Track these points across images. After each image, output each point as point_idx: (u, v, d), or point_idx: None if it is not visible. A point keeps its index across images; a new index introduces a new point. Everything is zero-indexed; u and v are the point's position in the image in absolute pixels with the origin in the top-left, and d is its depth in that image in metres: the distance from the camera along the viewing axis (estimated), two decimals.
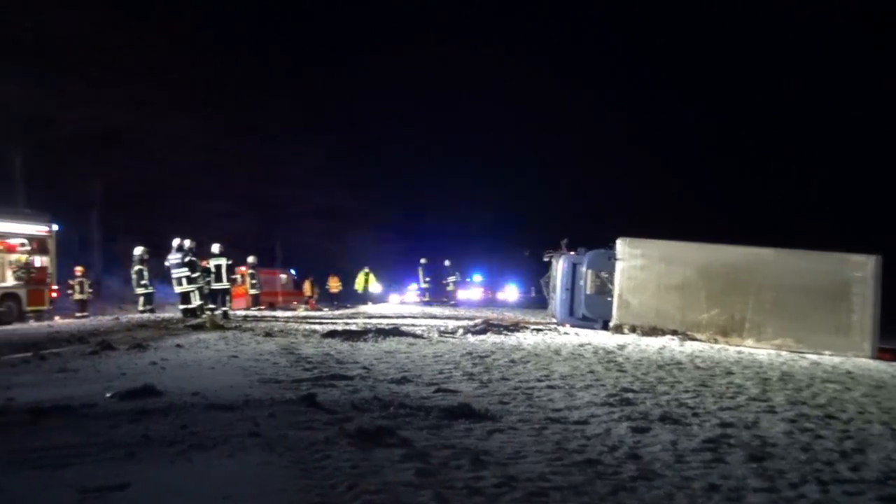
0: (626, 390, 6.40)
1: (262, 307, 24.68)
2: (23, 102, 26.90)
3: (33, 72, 27.08)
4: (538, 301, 26.69)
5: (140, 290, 19.53)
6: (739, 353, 10.87)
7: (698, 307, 13.01)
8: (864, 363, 10.57)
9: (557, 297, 16.24)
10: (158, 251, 20.22)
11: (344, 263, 36.29)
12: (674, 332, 12.78)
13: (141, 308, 19.43)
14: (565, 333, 13.36)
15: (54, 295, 19.94)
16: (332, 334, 11.78)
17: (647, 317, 13.39)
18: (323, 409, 5.18)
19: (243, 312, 20.51)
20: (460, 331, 12.89)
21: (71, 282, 21.44)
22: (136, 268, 19.59)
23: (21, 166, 28.62)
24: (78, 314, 20.51)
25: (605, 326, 14.12)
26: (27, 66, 27.11)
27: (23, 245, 19.14)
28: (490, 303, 36.33)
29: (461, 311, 23.09)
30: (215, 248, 18.10)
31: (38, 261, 19.47)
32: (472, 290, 38.48)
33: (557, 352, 9.83)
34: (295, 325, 14.73)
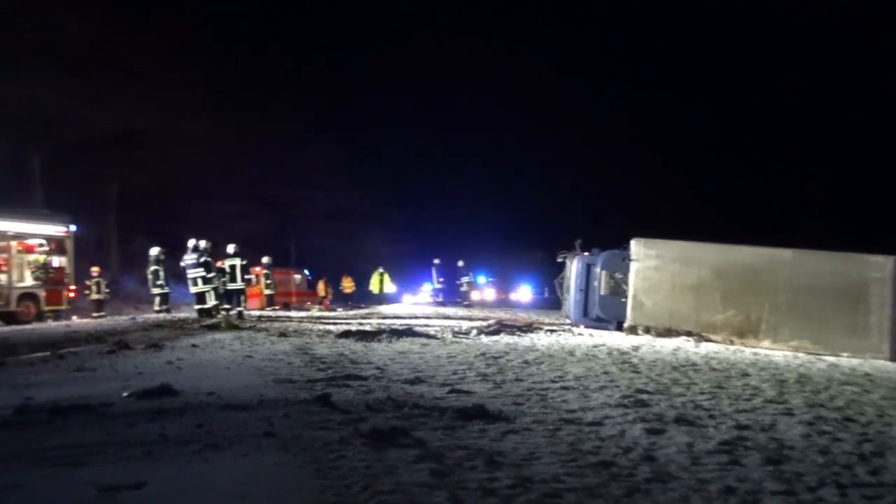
0: (640, 392, 6.36)
1: (277, 307, 24.82)
2: (41, 105, 27.21)
3: (52, 74, 27.40)
4: (551, 302, 26.63)
5: (156, 291, 19.69)
6: (755, 354, 10.78)
7: (713, 308, 12.92)
8: (883, 365, 10.45)
9: (571, 297, 16.18)
10: (174, 252, 20.38)
11: (357, 264, 36.41)
12: (689, 334, 12.69)
13: (157, 308, 19.59)
14: (579, 334, 13.31)
15: (72, 295, 20.18)
16: (346, 335, 11.82)
17: (661, 318, 13.31)
18: (337, 410, 5.20)
19: (258, 312, 20.61)
20: (474, 331, 12.89)
21: (88, 282, 21.66)
22: (152, 268, 19.75)
23: (40, 168, 28.96)
24: (95, 314, 20.71)
25: (619, 327, 14.06)
26: (46, 69, 27.43)
27: (41, 245, 19.38)
28: (503, 303, 36.31)
29: (474, 312, 23.08)
30: (230, 248, 18.22)
31: (56, 261, 19.70)
32: (485, 290, 38.46)
33: (571, 353, 9.80)
34: (309, 326, 14.79)
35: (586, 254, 16.01)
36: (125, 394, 5.87)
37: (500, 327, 13.58)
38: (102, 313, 21.06)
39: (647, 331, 13.22)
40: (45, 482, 3.48)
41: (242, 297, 18.31)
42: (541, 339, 11.94)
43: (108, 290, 22.67)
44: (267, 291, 25.32)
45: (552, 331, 13.71)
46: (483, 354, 9.22)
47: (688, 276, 13.31)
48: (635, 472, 3.70)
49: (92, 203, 30.99)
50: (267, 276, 25.26)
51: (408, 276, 39.48)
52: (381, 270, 30.31)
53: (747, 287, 12.79)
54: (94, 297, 21.76)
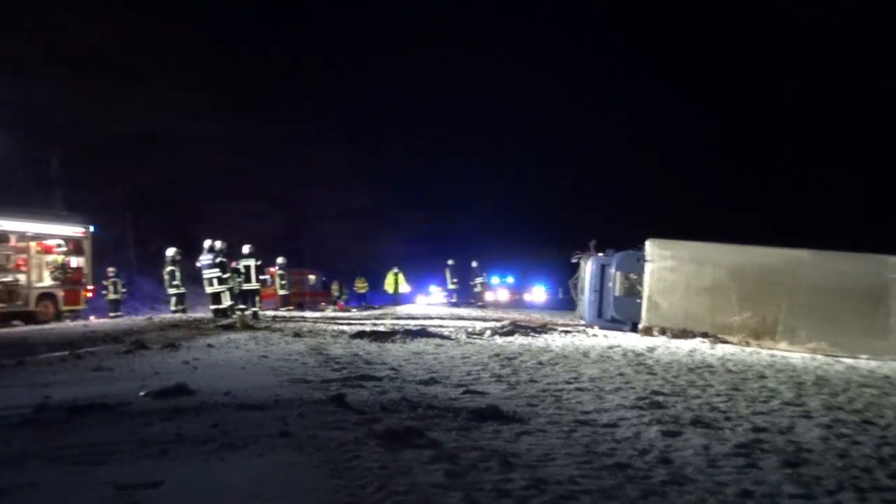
0: (656, 393, 6.32)
1: (291, 308, 24.94)
2: (60, 107, 27.56)
3: (71, 78, 27.73)
4: (565, 303, 26.54)
5: (172, 291, 19.85)
6: (772, 356, 10.67)
7: (729, 309, 12.81)
8: None
9: (586, 298, 16.12)
10: (190, 252, 20.55)
11: (371, 264, 36.52)
12: (704, 335, 12.59)
13: (173, 308, 19.75)
14: (594, 335, 13.26)
15: (89, 295, 20.39)
16: (360, 335, 11.84)
17: (676, 319, 13.22)
18: (352, 410, 5.21)
19: (272, 313, 20.71)
20: (488, 332, 12.87)
21: (105, 282, 21.89)
22: (169, 268, 19.93)
23: (58, 169, 29.30)
24: (112, 314, 20.93)
25: (633, 328, 13.98)
26: (65, 73, 27.77)
27: (59, 246, 19.61)
28: (517, 304, 36.24)
29: (488, 313, 23.05)
30: (245, 248, 18.34)
31: (75, 262, 19.93)
32: (498, 291, 38.41)
33: (586, 354, 9.76)
34: (323, 326, 14.84)
35: (601, 254, 15.94)
36: (142, 393, 5.92)
37: (515, 328, 13.56)
38: (119, 313, 21.27)
39: (663, 332, 13.13)
40: (63, 480, 3.52)
41: (257, 298, 18.42)
42: (555, 340, 11.90)
43: (124, 291, 22.91)
44: (282, 292, 25.46)
45: (566, 332, 13.66)
46: (497, 355, 9.21)
47: (703, 277, 13.21)
48: (651, 475, 3.68)
49: (109, 204, 31.34)
50: (282, 277, 25.39)
51: (422, 276, 39.54)
52: (395, 270, 30.33)
53: (764, 288, 12.67)
54: (111, 297, 21.99)
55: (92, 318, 19.72)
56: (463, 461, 3.81)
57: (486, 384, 6.76)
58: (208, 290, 17.44)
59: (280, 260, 25.47)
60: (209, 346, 10.43)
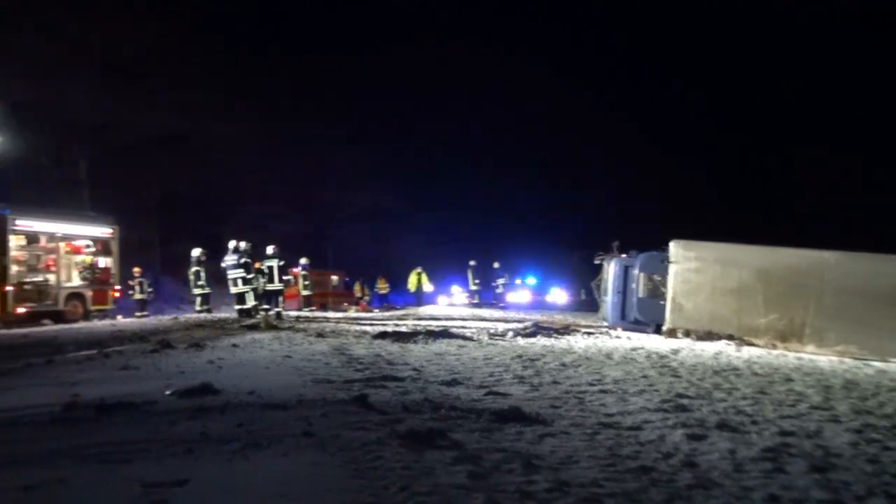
0: (680, 396, 6.26)
1: (314, 308, 25.10)
2: (89, 109, 28.03)
3: (99, 81, 28.20)
4: (588, 304, 26.40)
5: (197, 291, 20.09)
6: (799, 359, 10.51)
7: (755, 311, 12.64)
8: None
9: (609, 300, 16.02)
10: (215, 253, 20.79)
11: (393, 265, 36.62)
12: (730, 337, 12.44)
13: (198, 308, 19.99)
14: (617, 337, 13.16)
15: (117, 295, 20.71)
16: (382, 335, 11.88)
17: (701, 321, 13.07)
18: (374, 410, 5.23)
19: (296, 313, 20.87)
20: (510, 333, 12.83)
21: (131, 282, 22.21)
22: (194, 269, 20.17)
23: (86, 170, 29.80)
24: (138, 313, 21.23)
25: (657, 330, 13.86)
26: (93, 76, 28.24)
27: (88, 247, 19.95)
28: (539, 305, 36.11)
29: (510, 314, 22.99)
30: (269, 249, 18.50)
31: (102, 262, 20.27)
32: (520, 292, 38.32)
33: (609, 356, 9.69)
34: (346, 326, 14.91)
35: (624, 256, 15.83)
36: (168, 392, 5.99)
37: (537, 329, 13.51)
38: (146, 313, 21.58)
39: (687, 334, 13.00)
40: (91, 478, 3.57)
41: (281, 298, 18.56)
42: (578, 342, 11.84)
43: (150, 290, 23.24)
44: (305, 292, 25.64)
45: (589, 333, 13.58)
46: (520, 356, 9.18)
47: (728, 279, 13.05)
48: (676, 478, 3.64)
49: (135, 205, 31.81)
50: (305, 278, 25.58)
51: (443, 277, 39.57)
52: (418, 270, 30.34)
53: (790, 290, 12.47)
54: (138, 296, 22.32)
55: (119, 317, 20.02)
56: (485, 462, 3.81)
57: (509, 385, 6.75)
58: (233, 290, 17.62)
59: (303, 260, 25.66)
60: (234, 345, 10.53)
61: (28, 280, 18.03)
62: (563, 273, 42.10)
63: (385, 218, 53.50)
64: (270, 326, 14.19)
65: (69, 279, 19.29)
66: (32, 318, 17.51)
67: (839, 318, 11.94)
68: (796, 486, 3.58)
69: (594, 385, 6.82)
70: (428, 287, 31.28)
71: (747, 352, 11.11)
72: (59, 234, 19.06)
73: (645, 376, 7.60)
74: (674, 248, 13.63)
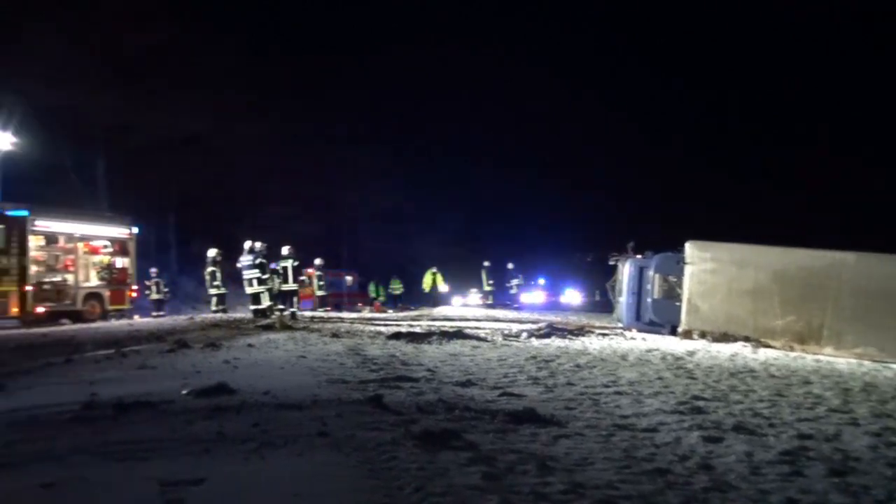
0: (696, 398, 6.22)
1: (329, 308, 25.18)
2: (107, 111, 28.34)
3: (117, 82, 28.50)
4: (602, 305, 26.29)
5: (213, 291, 20.22)
6: (817, 361, 10.40)
7: (772, 313, 12.52)
8: None
9: (623, 301, 15.95)
10: (231, 253, 20.92)
11: (407, 266, 36.66)
12: (746, 339, 12.33)
13: (214, 308, 20.11)
14: (632, 338, 13.10)
15: (134, 294, 20.90)
16: (396, 336, 11.91)
17: (717, 322, 12.97)
18: (389, 411, 5.24)
19: (310, 313, 20.95)
20: (524, 334, 12.81)
21: (147, 282, 22.41)
22: (210, 269, 20.30)
23: (104, 172, 30.12)
24: (154, 313, 21.41)
25: (672, 332, 13.77)
26: (111, 78, 28.54)
27: (105, 247, 20.15)
28: (553, 306, 36.02)
29: (524, 315, 22.94)
30: (284, 250, 18.58)
31: (120, 262, 20.45)
32: (535, 293, 38.25)
33: (624, 357, 9.65)
34: (360, 327, 14.95)
35: (639, 256, 15.75)
36: (184, 391, 6.03)
37: (551, 330, 13.47)
38: (162, 313, 21.77)
39: (703, 335, 12.90)
40: (110, 475, 3.61)
41: (296, 298, 18.64)
42: (592, 343, 11.79)
43: (166, 291, 23.43)
44: (319, 293, 25.72)
45: (604, 334, 13.53)
46: (534, 358, 9.16)
47: (745, 280, 12.94)
48: (692, 481, 3.62)
49: (152, 206, 32.09)
50: (319, 278, 25.66)
51: (458, 278, 39.54)
52: (433, 270, 30.30)
53: (808, 291, 12.35)
54: (154, 296, 22.51)
55: (136, 317, 20.20)
56: (500, 464, 3.80)
57: (523, 387, 6.73)
58: (248, 290, 17.73)
59: (318, 261, 25.73)
60: (249, 345, 10.59)
61: (47, 280, 18.24)
62: (578, 274, 41.97)
63: (400, 218, 53.58)
64: (285, 327, 14.26)
65: (87, 279, 19.49)
66: (51, 318, 17.71)
67: (857, 319, 11.80)
68: (815, 490, 3.55)
69: (609, 386, 6.80)
70: (443, 287, 31.25)
71: (764, 354, 11.01)
72: (78, 235, 19.27)
73: (660, 378, 7.56)
74: (689, 248, 13.54)
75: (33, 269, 17.67)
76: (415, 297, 32.78)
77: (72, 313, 18.63)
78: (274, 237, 21.11)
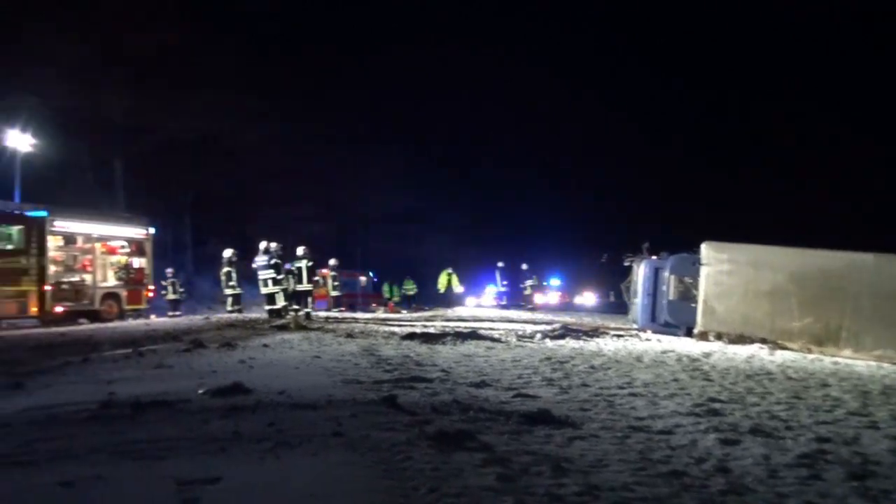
0: (713, 400, 6.17)
1: (343, 309, 25.25)
2: (124, 112, 28.58)
3: (134, 84, 28.75)
4: (617, 306, 26.17)
5: (229, 291, 20.33)
6: (835, 364, 10.29)
7: (790, 315, 12.40)
8: None
9: (639, 302, 15.87)
10: (246, 254, 21.04)
11: (421, 266, 36.70)
12: (763, 341, 12.23)
13: (229, 308, 20.22)
14: (647, 340, 13.03)
15: (151, 294, 21.07)
16: (410, 337, 11.92)
17: (733, 324, 12.88)
18: (403, 411, 5.24)
19: (325, 314, 21.02)
20: (538, 335, 12.78)
21: (164, 282, 22.58)
22: (225, 269, 20.41)
23: (121, 173, 30.40)
24: (170, 313, 21.57)
25: (688, 333, 13.69)
26: (129, 79, 28.79)
27: (122, 247, 20.33)
28: (567, 307, 35.90)
29: (538, 316, 22.89)
30: (299, 250, 18.64)
31: (137, 262, 20.62)
32: (549, 294, 38.14)
33: (639, 358, 9.59)
34: (374, 327, 14.98)
35: (654, 257, 15.67)
36: (201, 391, 6.07)
37: (566, 331, 13.43)
38: (178, 312, 21.92)
39: (719, 337, 12.82)
40: (127, 474, 3.64)
41: (310, 298, 18.70)
42: (607, 344, 11.74)
43: (182, 291, 23.59)
44: (334, 293, 25.80)
45: (619, 336, 13.47)
46: (548, 359, 9.14)
47: (762, 281, 12.83)
48: (708, 484, 3.59)
49: (168, 206, 32.34)
50: (334, 278, 25.74)
51: (472, 278, 39.54)
52: (449, 271, 30.32)
53: (826, 293, 12.21)
54: (170, 297, 22.67)
55: (153, 317, 20.36)
56: (515, 465, 3.79)
57: (538, 388, 6.72)
58: (263, 290, 17.81)
59: (332, 261, 25.82)
60: (264, 345, 10.65)
61: (65, 280, 18.43)
62: (592, 275, 41.79)
63: (415, 219, 53.62)
64: (300, 327, 14.32)
65: (105, 279, 19.67)
66: (70, 317, 17.90)
67: (877, 321, 11.65)
68: (833, 495, 3.51)
69: (624, 388, 6.76)
70: (458, 288, 31.24)
71: (781, 356, 10.91)
72: (96, 235, 19.46)
73: (676, 380, 7.51)
74: (705, 249, 13.46)
75: (52, 269, 17.87)
76: (428, 298, 32.81)
77: (89, 313, 18.82)
78: (289, 237, 21.22)
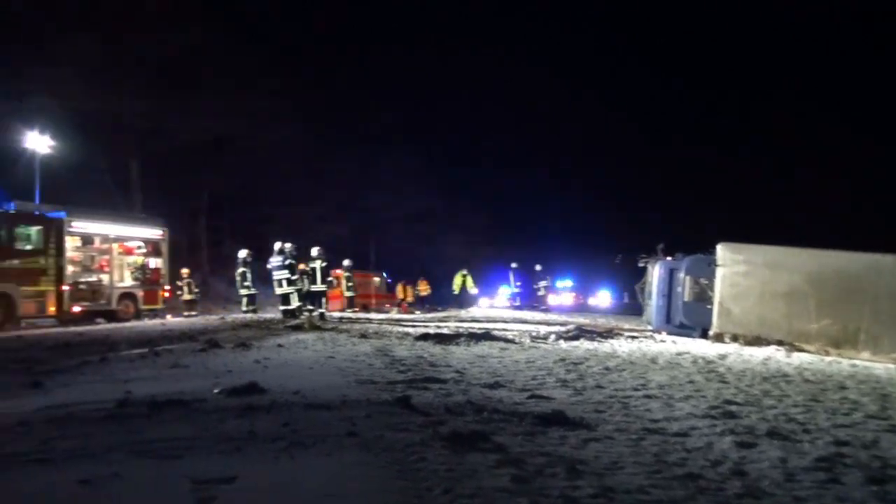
0: (728, 402, 6.12)
1: (357, 309, 25.32)
2: (141, 114, 28.82)
3: (150, 86, 28.97)
4: (631, 307, 26.05)
5: (244, 292, 20.46)
6: (853, 366, 10.17)
7: (807, 316, 12.28)
8: None
9: (653, 303, 15.78)
10: (261, 254, 21.15)
11: (435, 267, 36.74)
12: (779, 343, 12.11)
13: (244, 308, 20.36)
14: (662, 341, 12.95)
15: (166, 295, 21.25)
16: (424, 337, 11.93)
17: (749, 325, 12.77)
18: (418, 412, 5.25)
19: (339, 314, 21.09)
20: (552, 336, 12.75)
21: (179, 283, 22.76)
22: (240, 270, 20.55)
23: (138, 174, 30.66)
24: (186, 313, 21.73)
25: (703, 335, 13.59)
26: (145, 81, 29.04)
27: (139, 248, 20.54)
28: (582, 308, 35.77)
29: (552, 317, 22.82)
30: (314, 251, 18.73)
31: (153, 263, 20.82)
32: (563, 295, 38.04)
33: (654, 360, 9.54)
34: (388, 328, 15.01)
35: (669, 259, 15.58)
36: (216, 391, 6.11)
37: (580, 333, 13.38)
38: (194, 312, 22.08)
39: (735, 339, 12.71)
40: (143, 473, 3.67)
41: (324, 299, 18.78)
42: (622, 346, 11.69)
43: (198, 291, 23.76)
44: (348, 293, 25.88)
45: (633, 337, 13.39)
46: (562, 360, 9.11)
47: (778, 283, 12.72)
48: (724, 487, 3.56)
49: (184, 207, 32.57)
50: (348, 279, 25.82)
51: (486, 279, 39.51)
52: (464, 272, 30.34)
53: (844, 295, 12.08)
54: (186, 297, 22.84)
55: (168, 317, 20.53)
56: (529, 466, 3.78)
57: (552, 389, 6.70)
58: (278, 291, 17.91)
59: (346, 262, 25.91)
60: (279, 345, 10.70)
61: (83, 280, 18.64)
62: (607, 276, 41.64)
63: (429, 219, 53.64)
64: (314, 327, 14.37)
65: (121, 279, 19.88)
66: (87, 317, 18.10)
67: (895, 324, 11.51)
68: (852, 498, 3.47)
69: (639, 390, 6.73)
70: (473, 289, 31.25)
71: (798, 358, 10.81)
72: (113, 236, 19.67)
73: (691, 381, 7.46)
74: (721, 251, 13.36)
75: (70, 269, 18.08)
76: (442, 299, 32.83)
77: (106, 313, 19.01)
78: (304, 238, 21.30)
